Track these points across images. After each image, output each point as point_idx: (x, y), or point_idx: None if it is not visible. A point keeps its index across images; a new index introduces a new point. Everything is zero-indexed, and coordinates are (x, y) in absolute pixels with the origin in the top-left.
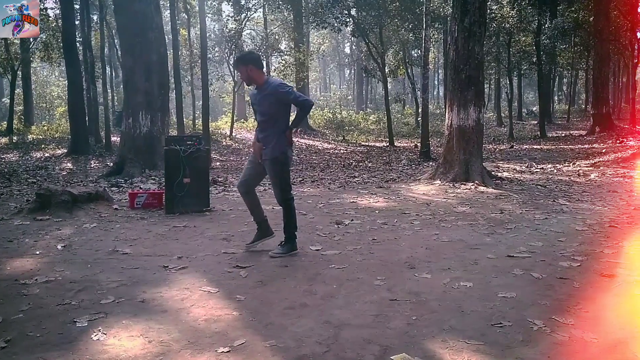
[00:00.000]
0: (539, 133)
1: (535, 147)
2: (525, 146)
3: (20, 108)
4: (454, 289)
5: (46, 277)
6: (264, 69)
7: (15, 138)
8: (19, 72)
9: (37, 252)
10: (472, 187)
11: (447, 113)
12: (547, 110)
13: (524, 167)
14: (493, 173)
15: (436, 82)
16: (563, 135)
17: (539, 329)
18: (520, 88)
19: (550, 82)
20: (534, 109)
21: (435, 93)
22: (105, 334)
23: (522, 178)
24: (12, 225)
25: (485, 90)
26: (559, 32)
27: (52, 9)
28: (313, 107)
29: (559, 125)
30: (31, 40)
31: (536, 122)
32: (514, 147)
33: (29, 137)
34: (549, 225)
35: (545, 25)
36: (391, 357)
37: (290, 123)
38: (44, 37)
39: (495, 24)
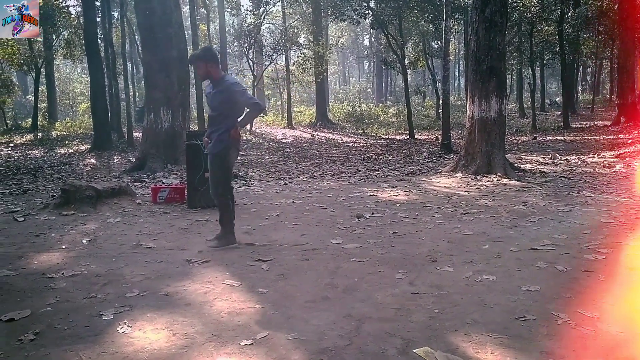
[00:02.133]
0: (562, 124)
1: (558, 138)
2: (548, 137)
3: (45, 105)
4: (476, 282)
5: (72, 271)
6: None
7: (39, 134)
8: (43, 70)
9: (63, 247)
10: (495, 179)
11: (468, 105)
12: (571, 100)
13: (547, 159)
14: (516, 165)
15: (457, 74)
16: (587, 126)
17: (564, 322)
18: (543, 78)
19: (574, 72)
20: (557, 99)
21: (455, 84)
22: (131, 327)
23: (545, 170)
24: (38, 220)
25: (507, 81)
26: (583, 20)
27: (73, 6)
28: (263, 111)
29: (583, 116)
30: (54, 37)
31: (559, 112)
32: (537, 138)
33: (53, 133)
34: (574, 217)
35: (569, 14)
36: (414, 350)
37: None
38: (67, 34)
39: (517, 14)
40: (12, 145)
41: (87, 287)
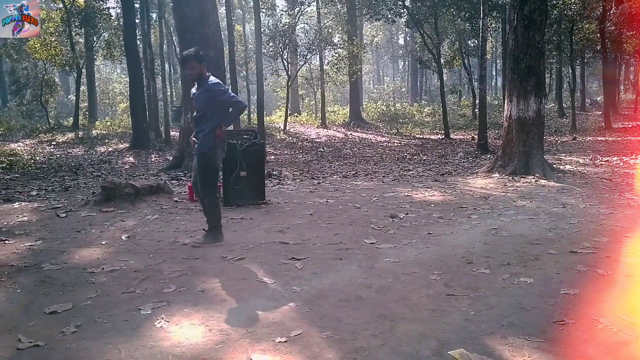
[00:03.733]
0: (603, 124)
1: (599, 138)
2: (588, 138)
3: (85, 104)
4: (513, 285)
5: (112, 266)
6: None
7: (80, 133)
8: (84, 70)
9: (103, 242)
10: (533, 180)
11: (506, 104)
12: (613, 100)
13: (587, 160)
14: (555, 166)
15: (494, 73)
16: (630, 126)
17: (605, 327)
18: (583, 77)
19: (616, 71)
20: (598, 99)
21: (492, 84)
22: (168, 322)
23: (585, 171)
24: (79, 216)
25: (546, 80)
26: (626, 17)
27: (113, 8)
28: (245, 109)
29: (625, 116)
30: (95, 39)
31: (600, 112)
32: (577, 138)
33: (93, 132)
34: (615, 220)
35: (611, 11)
36: (449, 352)
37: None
38: (107, 36)
39: (556, 11)
40: (54, 143)
41: (126, 282)
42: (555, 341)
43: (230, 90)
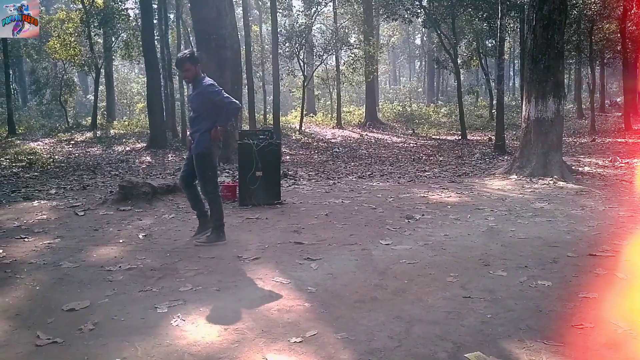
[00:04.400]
0: (623, 125)
1: (619, 140)
2: (608, 139)
3: (104, 104)
4: (531, 288)
5: (129, 264)
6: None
7: (98, 133)
8: (102, 71)
9: (121, 241)
10: (551, 182)
11: (524, 105)
12: (633, 101)
13: (607, 162)
14: (573, 168)
15: (511, 73)
16: None
17: (624, 331)
18: (603, 78)
19: (637, 71)
20: (618, 100)
21: (510, 84)
22: (184, 320)
23: (604, 173)
24: (97, 215)
25: (565, 80)
26: None
27: (131, 9)
28: (239, 109)
29: None
30: (113, 39)
31: (620, 114)
32: (596, 140)
33: (111, 131)
34: (635, 223)
35: (632, 10)
36: (465, 355)
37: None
38: (125, 36)
39: (576, 11)
40: (73, 142)
41: (143, 281)
42: (573, 345)
43: (223, 92)
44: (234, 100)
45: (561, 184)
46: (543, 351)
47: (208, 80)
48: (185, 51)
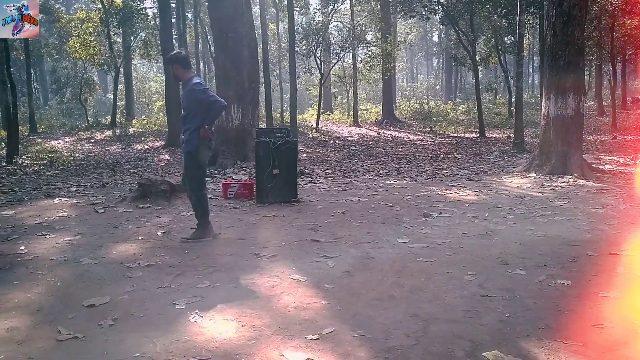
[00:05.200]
0: None
1: None
2: (629, 137)
3: (123, 103)
4: (550, 287)
5: (148, 261)
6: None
7: (118, 131)
8: (121, 69)
9: (140, 238)
10: (571, 180)
11: (543, 102)
12: None
13: (628, 160)
14: (594, 165)
15: (530, 70)
16: None
17: None
18: (625, 75)
19: None
20: None
21: (529, 81)
22: (202, 317)
23: (626, 171)
24: (117, 212)
25: (586, 77)
26: None
27: (150, 8)
28: (223, 108)
29: None
30: (132, 38)
31: None
32: (617, 138)
33: (130, 130)
34: None
35: None
36: (483, 354)
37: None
38: (144, 35)
39: (596, 7)
40: (92, 141)
41: (162, 277)
42: (593, 345)
43: (209, 90)
44: (219, 99)
45: (581, 182)
46: (562, 351)
47: (196, 79)
48: (177, 51)
